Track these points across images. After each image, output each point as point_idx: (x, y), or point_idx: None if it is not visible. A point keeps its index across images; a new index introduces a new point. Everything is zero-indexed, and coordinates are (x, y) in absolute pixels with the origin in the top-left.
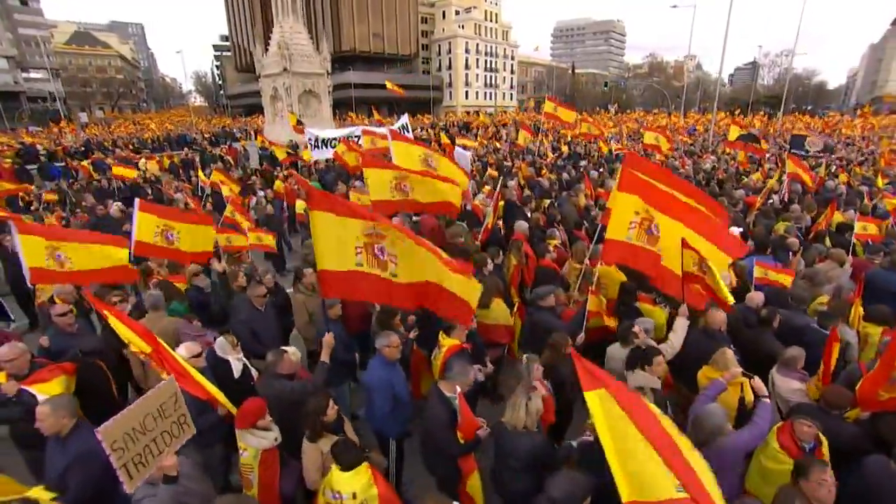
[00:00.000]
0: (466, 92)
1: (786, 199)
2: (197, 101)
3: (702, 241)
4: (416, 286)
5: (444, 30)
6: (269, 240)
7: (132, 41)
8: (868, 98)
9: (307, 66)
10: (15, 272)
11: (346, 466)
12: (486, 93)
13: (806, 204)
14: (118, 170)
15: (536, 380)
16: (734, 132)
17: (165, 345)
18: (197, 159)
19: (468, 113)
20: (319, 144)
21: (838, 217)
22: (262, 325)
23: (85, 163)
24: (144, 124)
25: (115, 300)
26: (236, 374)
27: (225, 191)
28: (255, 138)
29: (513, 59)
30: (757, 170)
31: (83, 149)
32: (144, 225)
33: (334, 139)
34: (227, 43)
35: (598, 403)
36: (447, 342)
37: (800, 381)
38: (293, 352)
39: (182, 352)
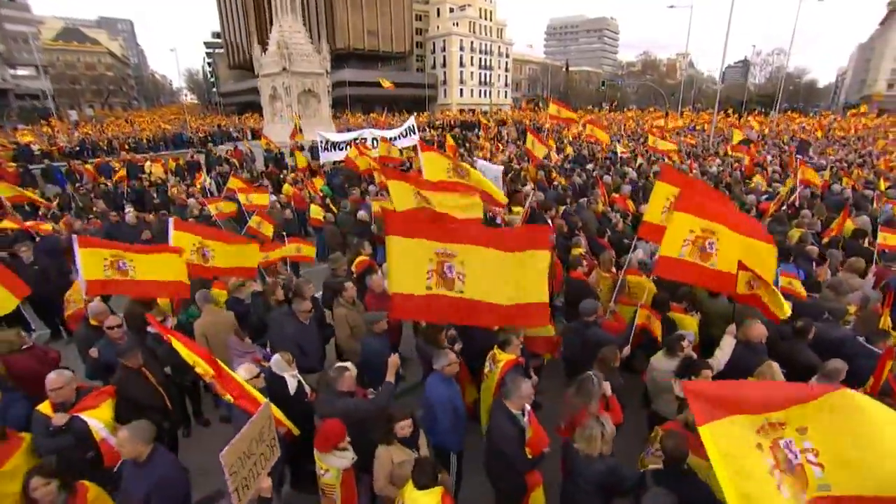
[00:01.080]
0: (461, 90)
1: (797, 205)
2: (188, 98)
3: (759, 244)
4: (485, 304)
5: (438, 27)
6: (309, 250)
7: (121, 38)
8: (857, 97)
9: (306, 66)
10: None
11: (421, 486)
12: (481, 91)
13: (816, 209)
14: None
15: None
16: (737, 136)
17: (227, 367)
18: (202, 161)
19: (462, 111)
20: (329, 147)
21: (849, 224)
22: (307, 339)
23: (89, 166)
24: (138, 123)
25: (158, 319)
26: (291, 390)
27: (242, 198)
28: (253, 138)
29: (507, 56)
30: (760, 173)
31: (78, 149)
32: (180, 243)
33: (344, 142)
34: (220, 40)
35: (711, 438)
36: (503, 357)
37: None
38: (351, 368)
39: (242, 373)
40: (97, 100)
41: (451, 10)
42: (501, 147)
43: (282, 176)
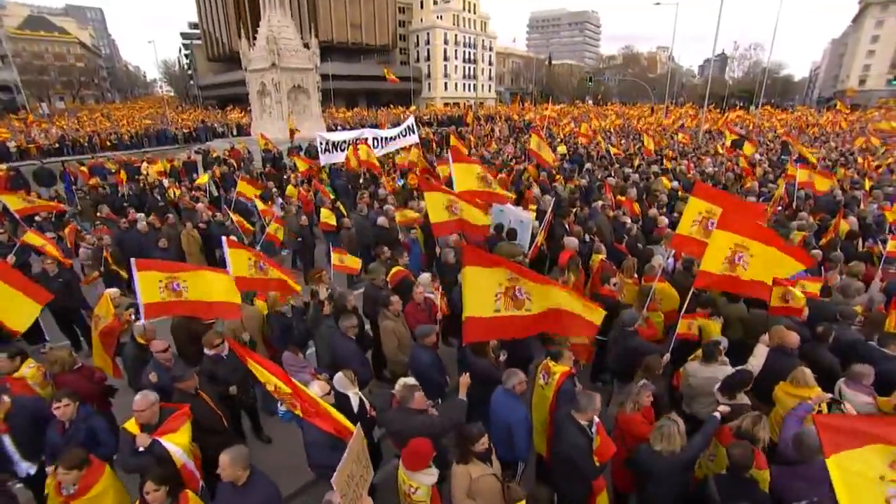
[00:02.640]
0: (446, 83)
1: (794, 206)
2: (164, 90)
3: (787, 259)
4: (546, 313)
5: (422, 20)
6: (353, 261)
7: (91, 26)
8: (831, 92)
9: (296, 62)
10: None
11: None
12: (465, 84)
13: (809, 210)
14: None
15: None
16: (729, 138)
17: (302, 386)
18: (199, 162)
19: (447, 105)
20: (330, 148)
21: (844, 225)
22: (355, 354)
23: (84, 168)
24: (116, 117)
25: (216, 342)
26: (355, 408)
27: (260, 205)
28: (238, 133)
29: (491, 50)
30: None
31: (57, 146)
32: (237, 261)
33: (344, 143)
34: (197, 31)
35: (837, 469)
36: (558, 369)
37: (868, 395)
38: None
39: (316, 390)
40: (67, 92)
41: (435, 3)
42: (496, 146)
43: (284, 177)
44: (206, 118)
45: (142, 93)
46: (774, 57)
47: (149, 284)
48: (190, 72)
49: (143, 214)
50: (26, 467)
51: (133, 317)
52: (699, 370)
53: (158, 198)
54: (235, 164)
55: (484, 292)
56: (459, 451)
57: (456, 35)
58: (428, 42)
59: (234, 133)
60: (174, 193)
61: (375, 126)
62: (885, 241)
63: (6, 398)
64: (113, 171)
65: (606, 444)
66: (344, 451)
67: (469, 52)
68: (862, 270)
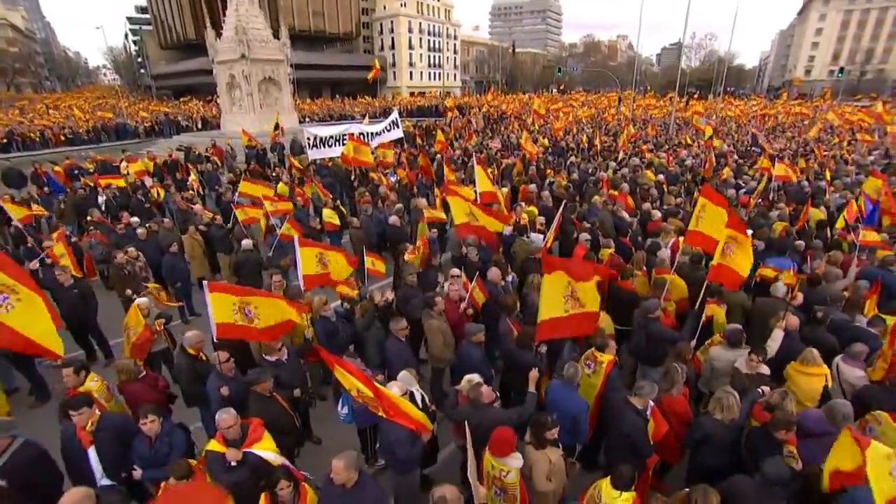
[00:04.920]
0: (411, 72)
1: (771, 198)
2: (109, 79)
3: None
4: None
5: (385, 7)
6: (380, 264)
7: (22, 8)
8: (780, 81)
9: (266, 53)
10: (69, 306)
11: (620, 488)
12: (430, 73)
13: (783, 201)
14: (105, 179)
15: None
16: (708, 130)
17: (383, 388)
18: (182, 159)
19: (413, 94)
20: (318, 144)
21: (815, 213)
22: (406, 355)
23: (58, 167)
24: (63, 109)
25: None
26: (419, 404)
27: (268, 205)
28: (203, 127)
29: (456, 38)
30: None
31: (6, 141)
32: (307, 259)
33: (332, 138)
34: (146, 16)
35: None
36: (604, 358)
37: (861, 369)
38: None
39: (395, 390)
40: (0, 79)
41: None
42: (477, 139)
43: (275, 174)
44: (168, 111)
45: (85, 81)
46: (727, 47)
47: (222, 305)
48: (140, 59)
49: (138, 219)
50: (106, 484)
51: (163, 327)
52: (722, 354)
53: (143, 199)
54: (219, 162)
55: (557, 296)
56: (536, 438)
57: (420, 23)
58: (392, 30)
59: (199, 127)
60: (157, 193)
61: (344, 118)
62: (855, 230)
63: (96, 411)
64: (91, 170)
65: (660, 425)
66: (419, 445)
67: (434, 41)
68: (840, 259)
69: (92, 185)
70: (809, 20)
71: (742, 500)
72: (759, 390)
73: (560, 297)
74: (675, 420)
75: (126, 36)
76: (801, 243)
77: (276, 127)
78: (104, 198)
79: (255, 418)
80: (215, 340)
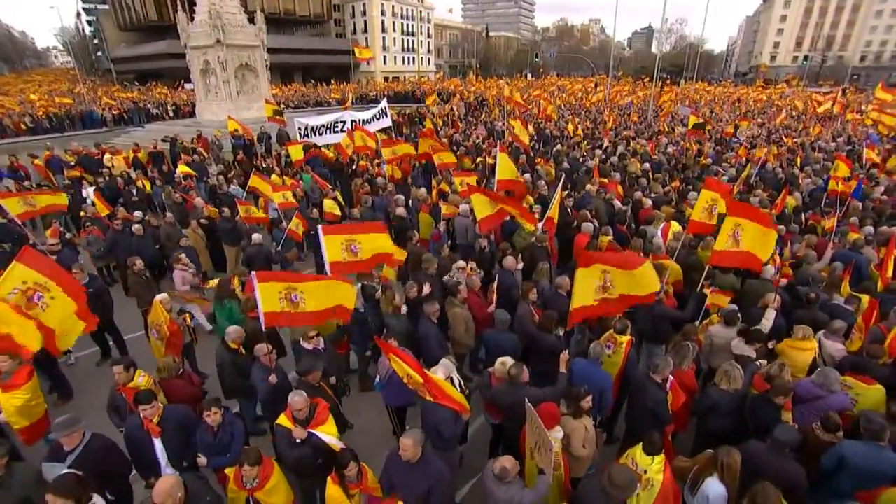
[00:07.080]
0: (385, 57)
1: (751, 183)
2: (61, 61)
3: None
4: (626, 297)
5: None
6: (401, 253)
7: None
8: (747, 67)
9: (241, 38)
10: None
11: (651, 453)
12: (404, 58)
13: (761, 187)
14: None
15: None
16: (692, 120)
17: (432, 374)
18: (166, 152)
19: (387, 79)
20: (309, 133)
21: (791, 200)
22: (436, 336)
23: (38, 161)
24: (15, 94)
25: (311, 334)
26: (457, 387)
27: (277, 198)
28: (175, 115)
29: (429, 22)
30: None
31: None
32: (331, 247)
33: (324, 127)
34: None
35: None
36: (623, 339)
37: (841, 343)
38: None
39: (440, 374)
40: None
41: None
42: (462, 126)
43: (265, 165)
44: (135, 97)
45: (34, 63)
46: (697, 32)
47: (269, 294)
48: (96, 41)
49: (139, 214)
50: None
51: (192, 321)
52: (721, 331)
53: (133, 192)
54: (205, 154)
55: (589, 288)
56: (573, 409)
57: (393, 6)
58: (364, 13)
59: (171, 115)
60: (143, 186)
61: (320, 105)
62: (828, 213)
63: (160, 403)
64: (72, 163)
65: (678, 397)
66: (460, 424)
67: (407, 24)
68: (815, 242)
69: (79, 175)
70: (774, 6)
71: (759, 461)
72: (757, 363)
73: (592, 288)
74: (686, 391)
75: (78, 15)
76: (781, 228)
77: (280, 113)
78: (88, 192)
79: (323, 401)
80: (263, 330)
